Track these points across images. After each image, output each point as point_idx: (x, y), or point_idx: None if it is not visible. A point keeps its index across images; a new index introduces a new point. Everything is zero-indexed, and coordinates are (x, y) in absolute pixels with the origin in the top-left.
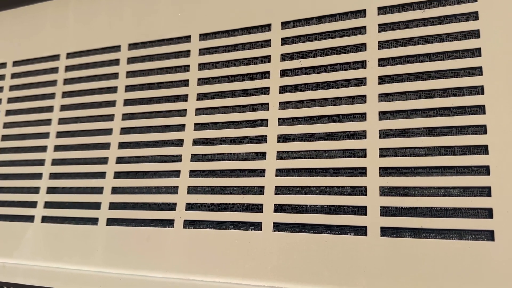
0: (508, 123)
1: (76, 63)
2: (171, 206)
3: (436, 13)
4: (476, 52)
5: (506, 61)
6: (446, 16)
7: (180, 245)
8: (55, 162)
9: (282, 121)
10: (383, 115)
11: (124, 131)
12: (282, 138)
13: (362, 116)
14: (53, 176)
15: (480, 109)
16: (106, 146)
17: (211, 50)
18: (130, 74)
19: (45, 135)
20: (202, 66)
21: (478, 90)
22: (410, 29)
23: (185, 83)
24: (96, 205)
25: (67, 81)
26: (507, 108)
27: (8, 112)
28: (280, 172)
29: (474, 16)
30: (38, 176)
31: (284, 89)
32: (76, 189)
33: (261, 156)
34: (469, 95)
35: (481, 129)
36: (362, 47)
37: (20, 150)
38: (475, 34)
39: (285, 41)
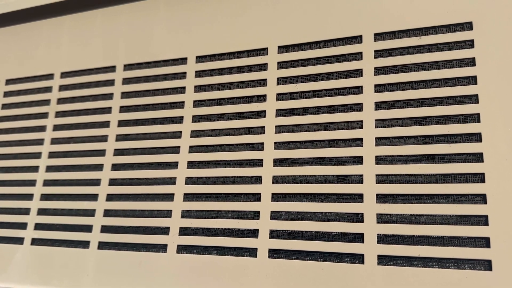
0: (505, 151)
1: (70, 82)
2: (164, 230)
3: (432, 40)
4: (472, 80)
5: (502, 89)
6: (442, 43)
7: (173, 271)
8: (47, 183)
9: (278, 145)
10: (380, 141)
11: (118, 152)
12: (278, 162)
13: (358, 142)
14: (45, 197)
15: (476, 137)
16: (99, 167)
17: (207, 73)
18: (125, 95)
19: (37, 155)
20: (198, 88)
21: (475, 118)
22: (406, 56)
23: (180, 105)
24: (88, 228)
25: (60, 101)
26: (503, 136)
27: (0, 131)
28: (276, 197)
29: (469, 44)
30: (29, 197)
31: (280, 112)
32: (67, 211)
33: (257, 180)
34: (465, 122)
35: (478, 157)
36: (358, 73)
37: (11, 170)
38: (471, 62)
39: (281, 65)
